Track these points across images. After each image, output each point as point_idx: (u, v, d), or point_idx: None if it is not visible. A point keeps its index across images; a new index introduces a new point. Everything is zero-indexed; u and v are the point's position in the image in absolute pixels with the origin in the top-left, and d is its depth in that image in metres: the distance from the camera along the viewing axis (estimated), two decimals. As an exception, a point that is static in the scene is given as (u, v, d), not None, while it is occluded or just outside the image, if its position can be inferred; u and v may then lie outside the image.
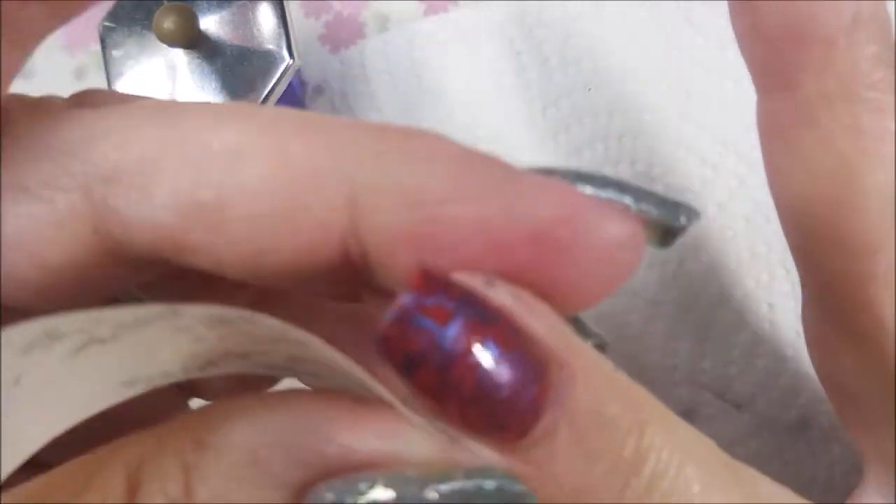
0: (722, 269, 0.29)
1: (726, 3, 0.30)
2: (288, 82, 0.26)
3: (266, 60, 0.26)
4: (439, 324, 0.11)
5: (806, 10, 0.16)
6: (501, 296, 0.12)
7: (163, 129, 0.13)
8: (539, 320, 0.12)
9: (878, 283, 0.15)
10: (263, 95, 0.26)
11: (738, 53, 0.30)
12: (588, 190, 0.12)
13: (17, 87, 0.34)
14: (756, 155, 0.28)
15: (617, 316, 0.29)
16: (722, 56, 0.30)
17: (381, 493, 0.11)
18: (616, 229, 0.12)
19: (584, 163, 0.30)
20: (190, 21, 0.24)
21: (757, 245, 0.29)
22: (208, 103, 0.14)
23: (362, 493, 0.11)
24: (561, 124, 0.30)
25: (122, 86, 0.26)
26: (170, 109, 0.14)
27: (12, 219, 0.13)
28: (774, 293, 0.28)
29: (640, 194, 0.13)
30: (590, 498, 0.13)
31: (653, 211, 0.13)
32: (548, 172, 0.13)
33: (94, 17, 0.33)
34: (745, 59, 0.18)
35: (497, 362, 0.12)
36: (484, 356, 0.11)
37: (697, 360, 0.29)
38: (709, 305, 0.29)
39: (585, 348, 0.13)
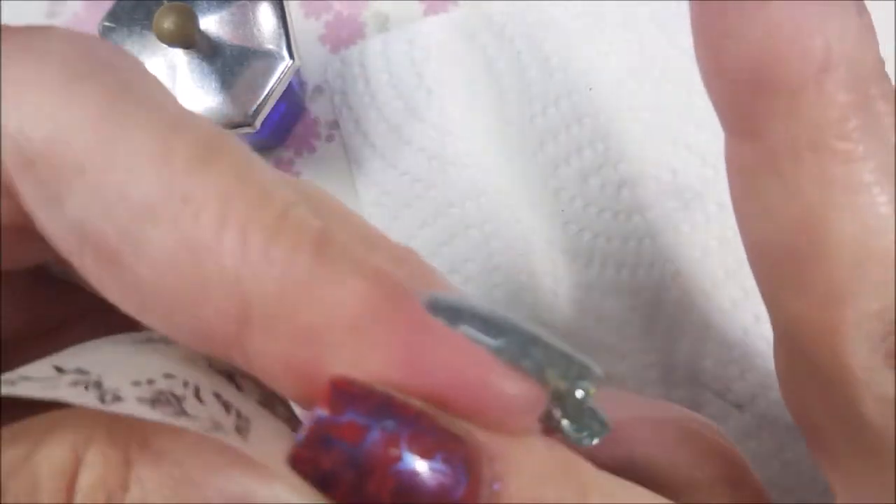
0: (723, 268, 0.29)
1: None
2: (288, 82, 0.26)
3: (266, 60, 0.26)
4: (351, 443, 0.11)
5: (772, 54, 0.15)
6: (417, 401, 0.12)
7: (91, 150, 0.12)
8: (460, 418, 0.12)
9: (845, 332, 0.15)
10: (263, 95, 0.26)
11: (738, 53, 0.30)
12: (493, 345, 0.12)
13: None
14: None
15: (618, 316, 0.29)
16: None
17: None
18: (513, 392, 0.12)
19: (585, 162, 0.30)
20: (190, 21, 0.24)
21: (757, 245, 0.28)
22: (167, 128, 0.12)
23: None
24: (561, 124, 0.30)
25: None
26: (107, 123, 0.12)
27: None
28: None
29: (540, 355, 0.12)
30: None
31: (552, 376, 0.12)
32: (456, 314, 0.12)
33: (93, 17, 0.33)
34: (710, 99, 0.17)
35: (415, 471, 0.11)
36: (401, 467, 0.11)
37: (698, 360, 0.29)
38: (710, 305, 0.29)
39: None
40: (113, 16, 0.26)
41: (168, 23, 0.24)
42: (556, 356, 0.12)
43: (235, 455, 0.12)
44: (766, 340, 0.28)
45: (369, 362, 0.12)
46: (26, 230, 0.13)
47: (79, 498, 0.11)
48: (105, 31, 0.26)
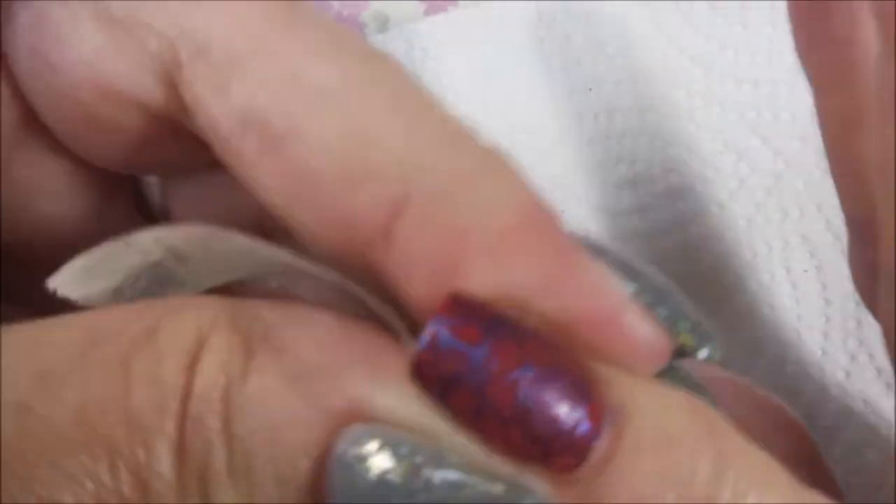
0: (723, 270, 0.29)
1: (726, 3, 0.30)
2: None
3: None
4: (471, 344, 0.11)
5: None
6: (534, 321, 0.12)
7: (267, 39, 0.13)
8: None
9: None
10: None
11: (738, 52, 0.30)
12: (630, 288, 0.12)
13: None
14: (757, 155, 0.28)
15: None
16: (722, 56, 0.30)
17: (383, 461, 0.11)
18: (645, 336, 0.12)
19: (587, 164, 0.30)
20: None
21: (758, 246, 0.28)
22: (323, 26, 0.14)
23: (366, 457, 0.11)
24: (562, 126, 0.30)
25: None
26: (281, 19, 0.13)
27: (92, 39, 0.13)
28: (776, 294, 0.28)
29: (675, 307, 0.12)
30: None
31: (682, 329, 0.12)
32: (599, 252, 0.12)
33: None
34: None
35: (536, 380, 0.11)
36: (521, 374, 0.11)
37: (697, 361, 0.28)
38: (710, 306, 0.29)
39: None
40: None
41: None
42: (689, 312, 0.12)
43: (356, 359, 0.11)
44: (767, 341, 0.28)
45: (511, 272, 0.12)
46: (180, 130, 0.13)
47: (199, 380, 0.11)
48: None
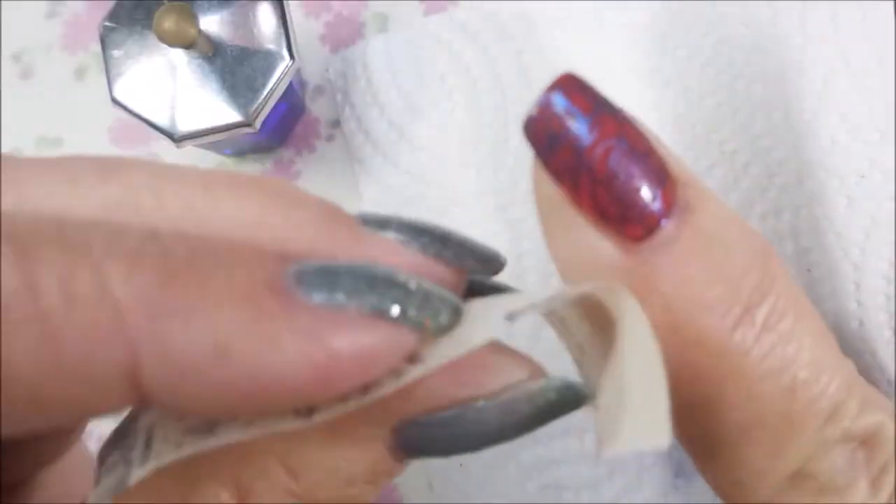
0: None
1: (728, 4, 0.30)
2: (288, 82, 0.26)
3: (266, 60, 0.26)
4: (582, 112, 0.13)
5: None
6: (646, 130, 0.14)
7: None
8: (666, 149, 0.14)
9: None
10: (263, 95, 0.25)
11: (739, 52, 0.30)
12: (391, 235, 0.14)
13: (17, 87, 0.34)
14: (756, 154, 0.28)
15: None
16: (717, 54, 0.30)
17: None
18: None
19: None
20: (190, 21, 0.24)
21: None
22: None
23: None
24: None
25: (123, 86, 0.26)
26: None
27: None
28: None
29: (460, 245, 0.14)
30: (696, 328, 0.13)
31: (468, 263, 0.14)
32: (383, 222, 0.14)
33: (94, 18, 0.33)
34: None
35: (628, 153, 0.13)
36: (616, 144, 0.13)
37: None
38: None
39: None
40: (113, 16, 0.26)
41: (168, 23, 0.24)
42: (475, 247, 0.14)
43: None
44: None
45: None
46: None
47: None
48: (105, 31, 0.26)
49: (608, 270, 0.14)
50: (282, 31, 0.26)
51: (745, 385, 0.14)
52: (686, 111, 0.30)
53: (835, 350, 0.15)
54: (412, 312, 0.12)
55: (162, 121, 0.26)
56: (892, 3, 0.30)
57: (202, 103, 0.26)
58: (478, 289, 0.15)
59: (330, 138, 0.32)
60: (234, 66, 0.26)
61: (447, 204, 0.30)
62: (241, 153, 0.32)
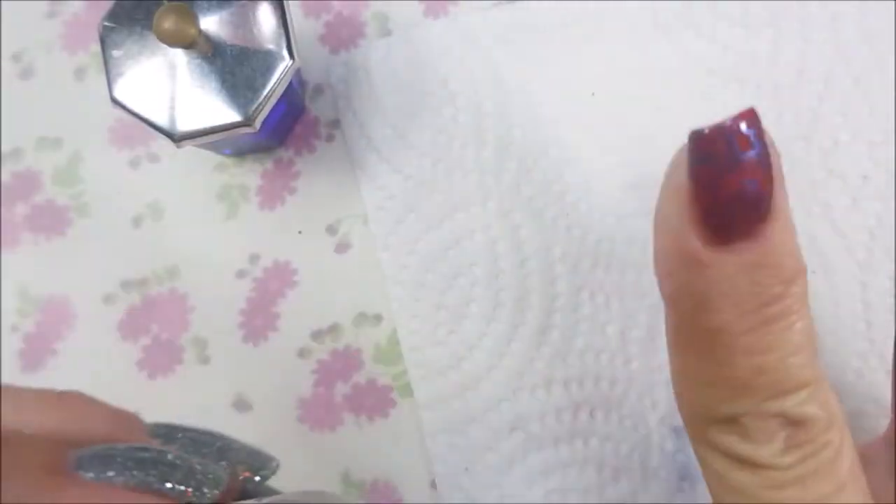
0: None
1: (726, 4, 0.30)
2: (288, 82, 0.26)
3: (266, 60, 0.26)
4: (741, 147, 0.16)
5: None
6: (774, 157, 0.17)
7: None
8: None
9: None
10: (263, 95, 0.25)
11: (740, 55, 0.30)
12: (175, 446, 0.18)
13: (17, 87, 0.34)
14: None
15: (624, 318, 0.29)
16: (724, 57, 0.30)
17: None
18: None
19: (589, 167, 0.30)
20: (190, 21, 0.24)
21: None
22: None
23: None
24: (565, 129, 0.30)
25: (123, 86, 0.26)
26: None
27: None
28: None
29: (223, 448, 0.19)
30: (717, 320, 0.18)
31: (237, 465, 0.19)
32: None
33: (93, 17, 0.33)
34: None
35: (751, 186, 0.16)
36: (748, 182, 0.16)
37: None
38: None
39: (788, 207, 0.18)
40: (113, 16, 0.26)
41: (168, 23, 0.24)
42: (239, 450, 0.18)
43: None
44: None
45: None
46: None
47: None
48: (105, 31, 0.26)
49: (684, 250, 0.18)
50: (282, 31, 0.26)
51: (725, 355, 0.18)
52: (687, 111, 0.30)
53: (813, 358, 0.18)
54: (174, 485, 0.16)
55: (162, 120, 0.26)
56: (892, 2, 0.30)
57: (202, 103, 0.25)
58: (252, 490, 0.19)
59: (330, 138, 0.32)
60: (233, 66, 0.26)
61: (450, 209, 0.30)
62: (240, 153, 0.31)
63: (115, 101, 0.26)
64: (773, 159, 0.17)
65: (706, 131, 0.16)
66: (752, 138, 0.16)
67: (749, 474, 0.18)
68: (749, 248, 0.17)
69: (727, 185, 0.16)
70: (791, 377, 0.18)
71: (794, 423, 0.18)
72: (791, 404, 0.18)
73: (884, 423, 0.26)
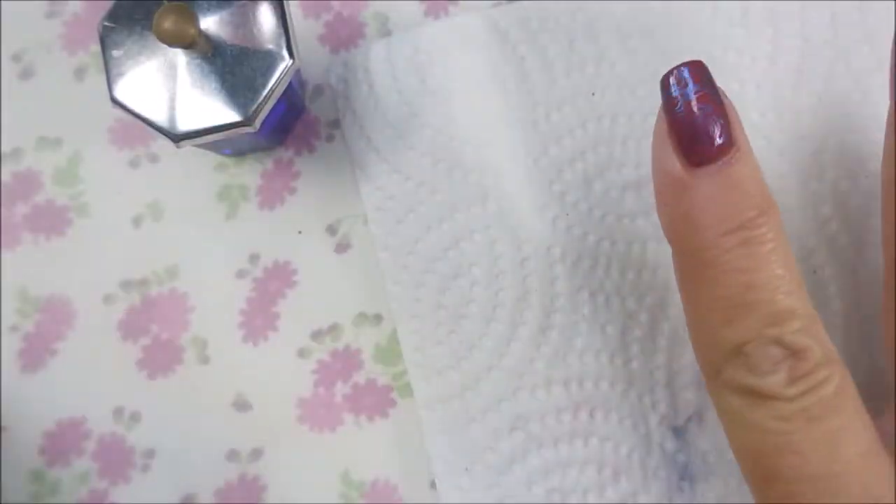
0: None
1: (726, 4, 0.30)
2: (288, 82, 0.26)
3: (266, 60, 0.26)
4: (693, 82, 0.21)
5: None
6: (727, 101, 0.22)
7: None
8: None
9: None
10: (263, 95, 0.25)
11: (740, 55, 0.30)
12: None
13: (17, 87, 0.34)
14: (762, 156, 0.28)
15: (624, 318, 0.29)
16: (724, 58, 0.30)
17: None
18: None
19: (589, 166, 0.30)
20: (190, 21, 0.24)
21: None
22: None
23: None
24: (564, 128, 0.30)
25: (123, 86, 0.26)
26: None
27: None
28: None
29: None
30: (699, 238, 0.21)
31: None
32: None
33: (93, 17, 0.33)
34: None
35: (711, 112, 0.21)
36: (704, 106, 0.21)
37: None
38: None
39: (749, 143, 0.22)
40: (113, 16, 0.26)
41: (168, 23, 0.24)
42: None
43: None
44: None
45: None
46: None
47: None
48: (105, 31, 0.26)
49: (670, 176, 0.21)
50: (282, 30, 0.26)
51: (716, 273, 0.21)
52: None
53: (801, 293, 0.21)
54: None
55: (162, 120, 0.26)
56: (892, 2, 0.30)
57: (202, 103, 0.25)
58: None
59: (330, 138, 0.32)
60: (233, 66, 0.26)
61: (449, 209, 0.30)
62: (240, 153, 0.31)
63: (115, 101, 0.26)
64: (724, 101, 0.21)
65: (673, 72, 0.22)
66: (693, 79, 0.21)
67: (759, 407, 0.20)
68: (719, 170, 0.21)
69: (687, 112, 0.21)
70: (779, 301, 0.20)
71: (794, 353, 0.20)
72: (786, 331, 0.20)
73: None
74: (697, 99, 0.21)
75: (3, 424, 0.31)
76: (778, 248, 0.21)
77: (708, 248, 0.21)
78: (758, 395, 0.20)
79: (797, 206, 0.29)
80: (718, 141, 0.21)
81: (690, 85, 0.21)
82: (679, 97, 0.21)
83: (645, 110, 0.30)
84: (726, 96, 0.21)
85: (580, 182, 0.30)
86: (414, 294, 0.30)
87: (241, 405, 0.31)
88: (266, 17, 0.26)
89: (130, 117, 0.26)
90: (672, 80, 0.21)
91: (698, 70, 0.21)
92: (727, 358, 0.21)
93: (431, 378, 0.29)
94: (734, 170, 0.21)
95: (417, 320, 0.30)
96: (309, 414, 0.30)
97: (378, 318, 0.31)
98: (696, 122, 0.21)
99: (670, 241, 0.23)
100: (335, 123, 0.32)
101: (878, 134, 0.29)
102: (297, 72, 0.29)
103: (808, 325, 0.20)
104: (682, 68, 0.21)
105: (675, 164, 0.21)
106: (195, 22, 0.24)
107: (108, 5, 0.26)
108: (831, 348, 0.21)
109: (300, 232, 0.31)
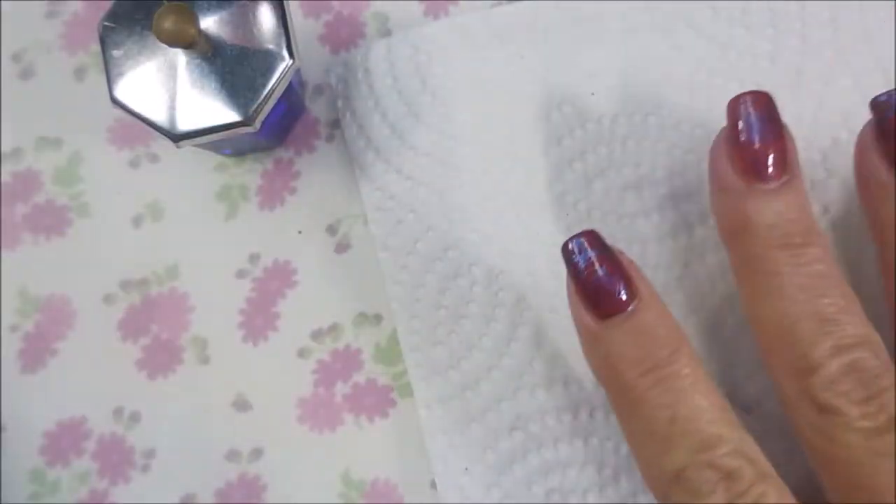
0: (727, 270, 0.29)
1: (726, 4, 0.30)
2: (288, 82, 0.26)
3: (266, 60, 0.26)
4: (589, 248, 0.24)
5: None
6: (624, 259, 0.24)
7: None
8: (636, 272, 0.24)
9: None
10: (263, 95, 0.25)
11: (740, 55, 0.30)
12: None
13: (19, 87, 0.34)
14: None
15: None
16: (724, 57, 0.30)
17: None
18: None
19: (589, 166, 0.30)
20: (190, 21, 0.24)
21: (761, 247, 0.28)
22: None
23: None
24: (565, 128, 0.30)
25: (123, 86, 0.26)
26: None
27: None
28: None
29: None
30: (623, 376, 0.23)
31: None
32: None
33: (93, 17, 0.33)
34: None
35: (599, 273, 0.24)
36: (596, 270, 0.24)
37: (705, 363, 0.28)
38: (715, 308, 0.29)
39: (653, 289, 0.24)
40: (112, 15, 0.26)
41: (168, 23, 0.24)
42: None
43: None
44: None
45: None
46: None
47: None
48: (105, 31, 0.26)
49: (586, 329, 0.25)
50: (281, 30, 0.26)
51: (643, 410, 0.23)
52: (686, 111, 0.30)
53: (726, 416, 0.23)
54: None
55: (162, 120, 0.26)
56: (892, 2, 0.30)
57: (202, 103, 0.26)
58: None
59: (330, 138, 0.32)
60: (233, 65, 0.26)
61: (449, 210, 0.30)
62: (240, 153, 0.31)
63: (115, 101, 0.26)
64: (621, 258, 0.24)
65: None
66: (590, 247, 0.24)
67: None
68: (626, 320, 0.23)
69: (589, 274, 0.23)
70: (705, 430, 0.22)
71: (727, 474, 0.22)
72: (716, 455, 0.22)
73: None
74: (597, 262, 0.23)
75: (2, 424, 0.31)
76: (695, 379, 0.23)
77: (630, 389, 0.23)
78: None
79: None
80: (620, 296, 0.23)
81: (588, 252, 0.23)
82: (581, 263, 0.23)
83: (645, 110, 0.30)
84: (622, 253, 0.24)
85: (580, 182, 0.30)
86: (414, 294, 0.30)
87: (242, 405, 0.31)
88: (266, 17, 0.26)
89: (130, 117, 0.26)
90: (573, 247, 0.24)
91: (593, 237, 0.24)
92: (670, 485, 0.22)
93: (431, 378, 0.29)
94: (639, 317, 0.23)
95: (417, 320, 0.30)
96: (309, 414, 0.30)
97: (378, 318, 0.31)
98: (598, 282, 0.23)
99: (600, 384, 0.25)
100: (335, 123, 0.32)
101: (878, 134, 0.29)
102: (298, 72, 0.29)
103: (738, 446, 0.22)
104: (579, 238, 0.24)
105: (587, 318, 0.24)
106: (195, 22, 0.24)
107: (108, 5, 0.26)
108: (765, 464, 0.22)
109: (300, 232, 0.31)
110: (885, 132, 0.23)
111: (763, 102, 0.24)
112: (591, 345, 0.24)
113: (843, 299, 0.23)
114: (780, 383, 0.24)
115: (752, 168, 0.24)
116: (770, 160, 0.23)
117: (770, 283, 0.23)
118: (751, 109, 0.24)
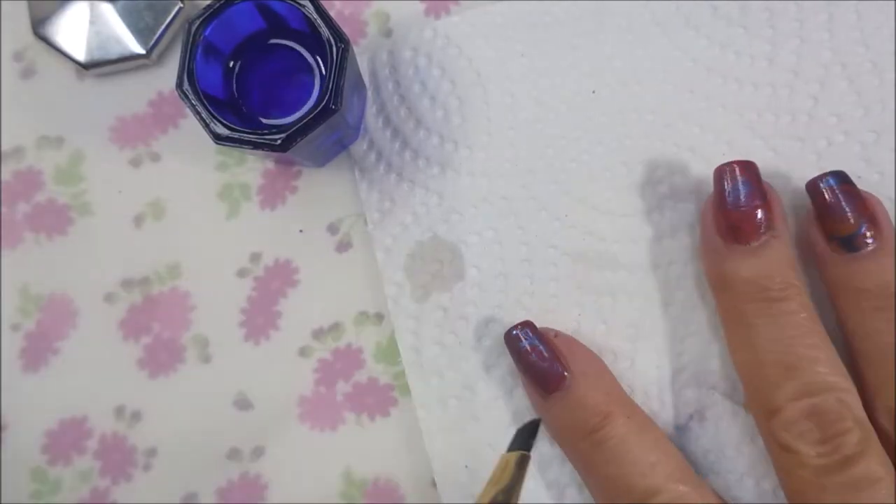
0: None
1: (725, 4, 0.30)
2: (180, 25, 0.30)
3: (161, 5, 0.31)
4: (530, 335, 0.28)
5: None
6: (560, 340, 0.28)
7: None
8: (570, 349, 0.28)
9: None
10: (159, 33, 0.30)
11: (738, 54, 0.30)
12: None
13: (20, 86, 0.34)
14: (758, 156, 0.28)
15: (624, 318, 0.29)
16: (724, 57, 0.30)
17: None
18: None
19: (589, 166, 0.30)
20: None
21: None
22: None
23: None
24: (564, 128, 0.30)
25: (46, 30, 0.31)
26: None
27: None
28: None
29: None
30: (572, 435, 0.27)
31: None
32: None
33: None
34: None
35: (534, 359, 0.28)
36: (532, 357, 0.28)
37: (705, 361, 0.29)
38: (715, 307, 0.29)
39: (585, 366, 0.28)
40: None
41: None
42: None
43: None
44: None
45: None
46: None
47: None
48: None
49: (536, 404, 0.29)
50: None
51: (591, 467, 0.27)
52: (686, 110, 0.30)
53: (668, 466, 0.25)
54: None
55: (78, 54, 0.30)
56: (891, 2, 0.30)
57: (111, 41, 0.30)
58: None
59: (331, 138, 0.32)
60: (141, 10, 0.30)
61: (449, 211, 0.30)
62: (319, 164, 0.31)
63: (38, 36, 0.31)
64: (556, 340, 0.28)
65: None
66: (530, 332, 0.28)
67: None
68: (563, 396, 0.27)
69: (528, 359, 0.27)
70: (637, 485, 0.25)
71: None
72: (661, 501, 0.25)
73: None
74: (531, 350, 0.27)
75: (4, 423, 0.31)
76: (627, 441, 0.26)
77: (575, 452, 0.27)
78: None
79: (792, 206, 0.29)
80: (556, 375, 0.27)
81: (531, 338, 0.27)
82: (525, 348, 0.27)
83: (645, 110, 0.30)
84: (557, 335, 0.28)
85: (580, 182, 0.30)
86: (412, 295, 0.30)
87: (243, 404, 0.31)
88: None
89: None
90: (517, 334, 0.27)
91: (529, 326, 0.28)
92: None
93: (429, 378, 0.30)
94: (572, 393, 0.27)
95: (414, 321, 0.30)
96: (310, 413, 0.31)
97: (379, 317, 0.31)
98: (537, 366, 0.27)
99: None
100: (336, 123, 0.32)
101: (873, 136, 0.29)
102: (363, 98, 0.30)
103: (683, 495, 0.25)
104: (523, 328, 0.28)
105: (535, 396, 0.28)
106: None
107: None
108: None
109: (301, 231, 0.31)
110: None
111: (747, 169, 0.26)
112: (541, 415, 0.28)
113: (813, 349, 0.25)
114: (756, 422, 0.26)
115: (731, 231, 0.26)
116: (751, 223, 0.26)
117: (746, 333, 0.26)
118: (737, 176, 0.26)
